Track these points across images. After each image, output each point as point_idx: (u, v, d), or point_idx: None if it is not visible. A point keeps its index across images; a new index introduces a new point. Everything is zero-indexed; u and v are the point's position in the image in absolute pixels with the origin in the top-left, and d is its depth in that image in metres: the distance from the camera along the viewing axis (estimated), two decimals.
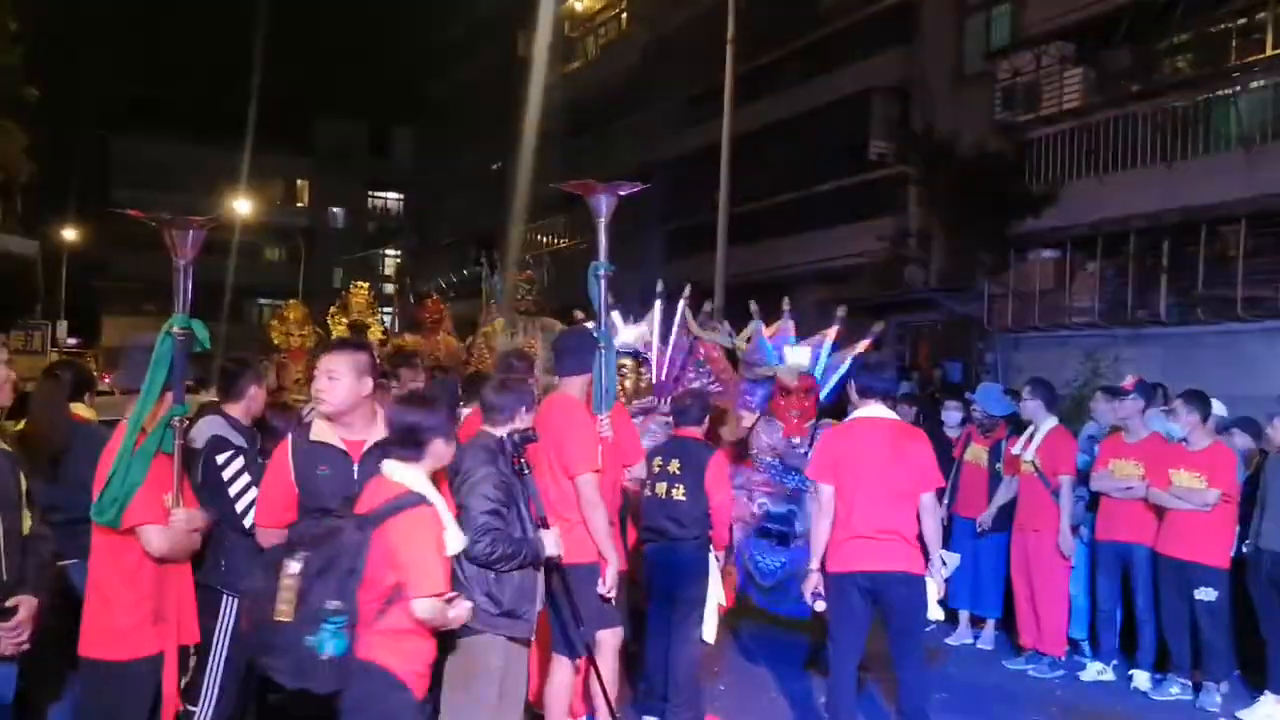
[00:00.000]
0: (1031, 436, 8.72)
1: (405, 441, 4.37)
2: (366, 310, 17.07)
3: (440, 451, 4.44)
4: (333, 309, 17.10)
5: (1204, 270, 19.88)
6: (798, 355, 8.64)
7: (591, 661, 5.80)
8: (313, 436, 4.67)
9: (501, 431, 5.29)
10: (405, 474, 4.32)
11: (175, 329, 4.59)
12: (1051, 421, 8.72)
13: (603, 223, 6.24)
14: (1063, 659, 8.69)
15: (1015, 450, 8.83)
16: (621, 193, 6.24)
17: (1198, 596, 7.78)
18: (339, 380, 4.60)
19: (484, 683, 5.07)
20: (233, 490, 5.10)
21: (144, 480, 4.46)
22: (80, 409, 5.67)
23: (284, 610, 4.06)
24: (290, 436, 4.75)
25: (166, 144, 56.89)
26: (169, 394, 4.60)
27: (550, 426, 5.68)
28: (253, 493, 5.09)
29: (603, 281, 6.26)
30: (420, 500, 4.26)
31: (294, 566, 4.08)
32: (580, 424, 5.84)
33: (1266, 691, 7.61)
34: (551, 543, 5.20)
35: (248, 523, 5.05)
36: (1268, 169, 18.67)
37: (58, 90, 42.74)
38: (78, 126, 55.91)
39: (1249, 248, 19.31)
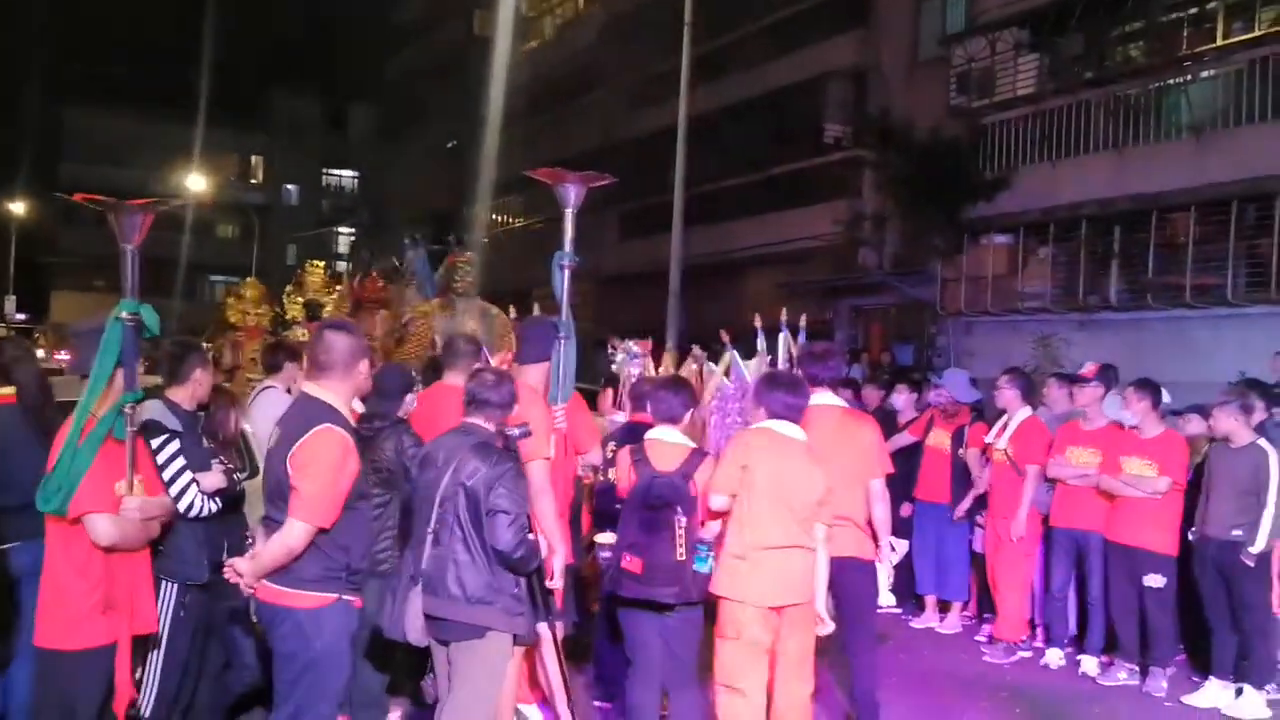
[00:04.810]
0: (1006, 425, 8.76)
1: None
2: (322, 289, 16.89)
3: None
4: (289, 287, 16.94)
5: (1154, 257, 20.10)
6: None
7: (557, 649, 5.75)
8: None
9: (492, 425, 5.14)
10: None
11: (124, 314, 4.49)
12: (1026, 411, 8.74)
13: (570, 212, 6.10)
14: (1018, 645, 8.75)
15: (989, 438, 8.87)
16: (592, 184, 6.12)
17: (1146, 583, 7.85)
18: None
19: (499, 679, 5.03)
20: (167, 475, 5.00)
21: (89, 468, 4.36)
22: None
23: (680, 551, 5.47)
24: (341, 430, 4.50)
25: (119, 118, 55.81)
26: (118, 379, 4.51)
27: None
28: (187, 477, 5.06)
29: (565, 272, 6.10)
30: None
31: (683, 520, 5.51)
32: (535, 411, 5.75)
33: (1212, 676, 7.71)
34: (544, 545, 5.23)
35: (183, 506, 5.00)
36: (1216, 157, 18.86)
37: (6, 64, 42.16)
38: (27, 101, 55.05)
39: (1197, 235, 19.53)
